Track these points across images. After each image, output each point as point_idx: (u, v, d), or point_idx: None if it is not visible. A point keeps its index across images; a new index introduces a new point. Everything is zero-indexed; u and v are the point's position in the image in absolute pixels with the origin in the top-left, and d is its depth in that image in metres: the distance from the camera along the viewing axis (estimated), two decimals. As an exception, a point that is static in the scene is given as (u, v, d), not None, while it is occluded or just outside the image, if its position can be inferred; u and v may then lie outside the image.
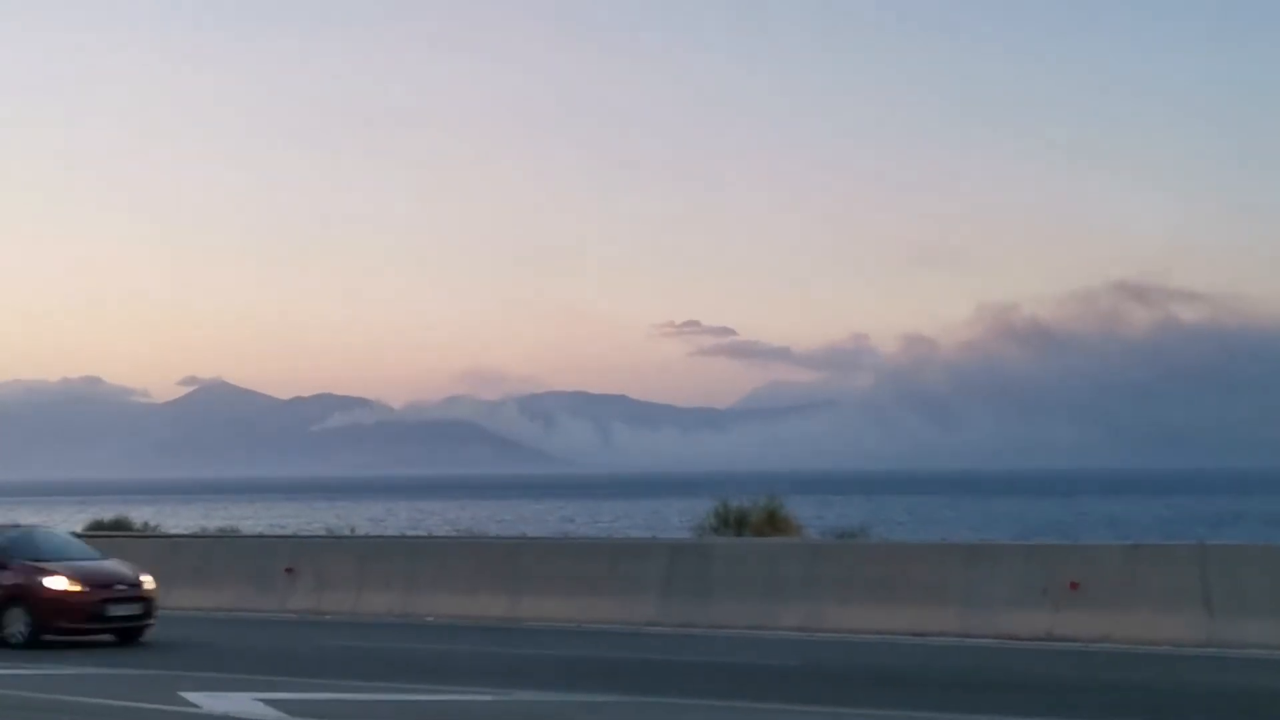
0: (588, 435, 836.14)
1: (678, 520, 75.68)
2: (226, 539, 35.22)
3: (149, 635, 20.21)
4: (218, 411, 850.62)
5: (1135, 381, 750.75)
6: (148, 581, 20.18)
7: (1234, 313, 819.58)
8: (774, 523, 31.81)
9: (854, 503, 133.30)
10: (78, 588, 19.47)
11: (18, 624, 19.33)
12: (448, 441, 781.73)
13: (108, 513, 59.68)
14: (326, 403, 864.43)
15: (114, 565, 20.54)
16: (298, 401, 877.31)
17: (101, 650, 19.11)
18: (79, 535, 25.71)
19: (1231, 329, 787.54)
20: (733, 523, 32.25)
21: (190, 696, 14.48)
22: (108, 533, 42.05)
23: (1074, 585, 19.08)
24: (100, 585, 19.67)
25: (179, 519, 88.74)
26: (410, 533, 64.76)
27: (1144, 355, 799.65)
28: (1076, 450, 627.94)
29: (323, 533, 54.17)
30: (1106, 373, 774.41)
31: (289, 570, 24.43)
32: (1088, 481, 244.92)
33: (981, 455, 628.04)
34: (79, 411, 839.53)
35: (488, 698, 14.82)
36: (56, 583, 19.46)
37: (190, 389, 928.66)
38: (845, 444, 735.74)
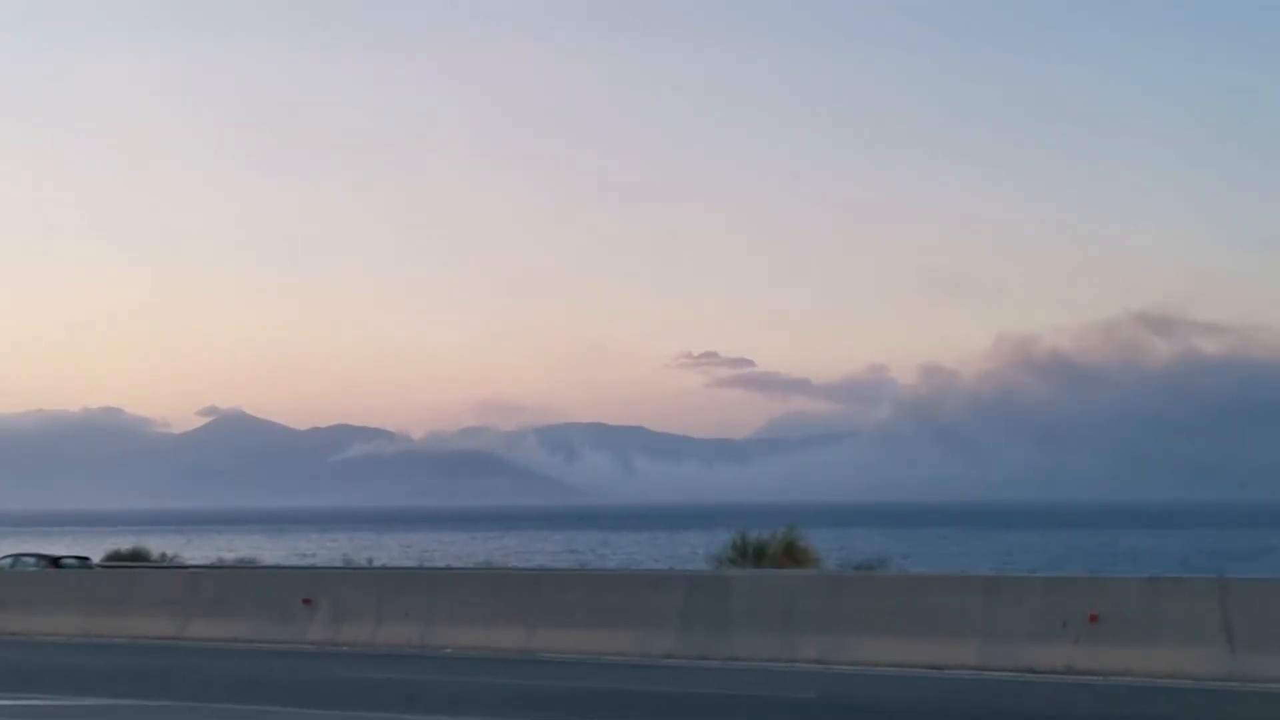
0: (609, 467, 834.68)
1: (693, 551, 75.49)
2: (244, 570, 35.35)
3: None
4: (236, 442, 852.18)
5: (1157, 414, 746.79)
6: None
7: (1256, 345, 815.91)
8: (792, 554, 31.79)
9: (873, 534, 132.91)
10: None
11: None
12: (467, 472, 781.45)
13: (126, 543, 59.86)
14: (345, 433, 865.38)
15: None
16: (316, 432, 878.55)
17: (120, 682, 19.12)
18: (97, 565, 25.74)
19: (1254, 361, 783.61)
20: (751, 554, 32.23)
21: (207, 728, 14.48)
22: (126, 563, 42.21)
23: (1094, 618, 18.97)
24: None
25: (197, 549, 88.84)
26: (428, 564, 64.74)
27: (1166, 387, 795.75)
28: (1098, 482, 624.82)
29: (341, 564, 54.27)
30: (1128, 405, 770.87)
31: (307, 601, 24.41)
32: (1110, 514, 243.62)
33: (1002, 487, 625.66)
34: (99, 441, 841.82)
35: (504, 730, 14.79)
36: None
37: (209, 419, 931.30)
38: (865, 475, 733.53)
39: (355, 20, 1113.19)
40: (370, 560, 57.23)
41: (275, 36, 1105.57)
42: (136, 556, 46.93)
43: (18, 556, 37.64)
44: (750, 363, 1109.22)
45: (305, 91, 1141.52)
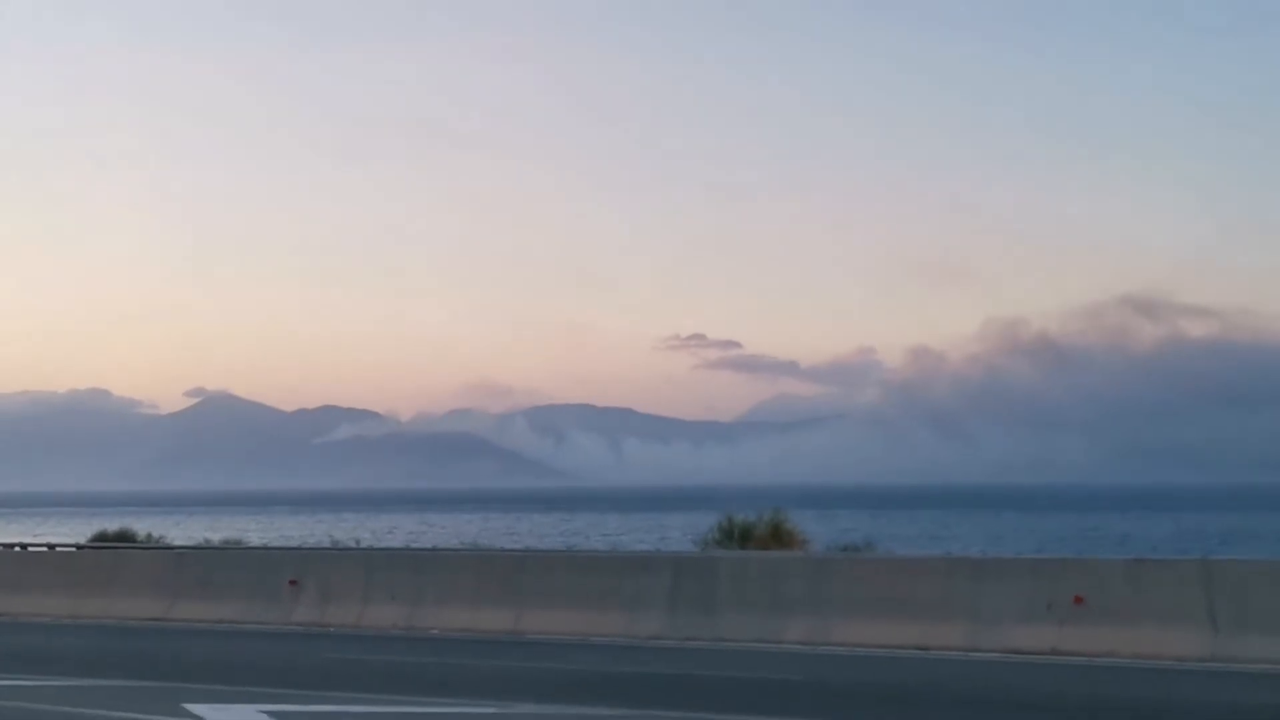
0: (597, 449, 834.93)
1: (681, 533, 75.56)
2: (231, 551, 35.25)
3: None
4: (223, 423, 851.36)
5: (1144, 397, 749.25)
6: None
7: (1243, 329, 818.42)
8: (778, 536, 31.81)
9: (860, 517, 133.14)
10: None
11: None
12: (455, 454, 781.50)
13: (113, 524, 59.72)
14: (332, 415, 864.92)
15: None
16: (303, 413, 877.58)
17: (106, 662, 19.11)
18: (83, 546, 25.69)
19: (1241, 345, 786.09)
20: (737, 536, 32.25)
21: (194, 709, 14.45)
22: (112, 544, 42.10)
23: (1079, 600, 19.04)
24: None
25: (183, 531, 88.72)
26: (415, 545, 64.71)
27: (1153, 370, 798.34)
28: (1086, 465, 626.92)
29: (328, 545, 54.21)
30: (1115, 388, 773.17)
31: (293, 583, 24.39)
32: (1098, 497, 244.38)
33: (990, 470, 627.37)
34: (86, 423, 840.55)
35: (490, 710, 14.80)
36: None
37: (196, 401, 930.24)
38: (852, 458, 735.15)
39: (347, 24, 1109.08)
40: (357, 541, 57.17)
41: (256, 26, 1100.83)
42: (123, 538, 46.75)
43: None
44: (738, 345, 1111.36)
45: (299, 84, 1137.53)
